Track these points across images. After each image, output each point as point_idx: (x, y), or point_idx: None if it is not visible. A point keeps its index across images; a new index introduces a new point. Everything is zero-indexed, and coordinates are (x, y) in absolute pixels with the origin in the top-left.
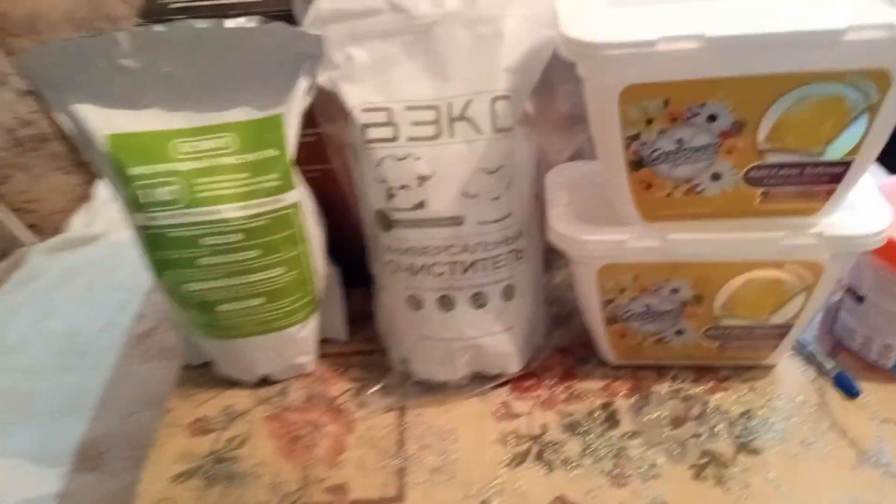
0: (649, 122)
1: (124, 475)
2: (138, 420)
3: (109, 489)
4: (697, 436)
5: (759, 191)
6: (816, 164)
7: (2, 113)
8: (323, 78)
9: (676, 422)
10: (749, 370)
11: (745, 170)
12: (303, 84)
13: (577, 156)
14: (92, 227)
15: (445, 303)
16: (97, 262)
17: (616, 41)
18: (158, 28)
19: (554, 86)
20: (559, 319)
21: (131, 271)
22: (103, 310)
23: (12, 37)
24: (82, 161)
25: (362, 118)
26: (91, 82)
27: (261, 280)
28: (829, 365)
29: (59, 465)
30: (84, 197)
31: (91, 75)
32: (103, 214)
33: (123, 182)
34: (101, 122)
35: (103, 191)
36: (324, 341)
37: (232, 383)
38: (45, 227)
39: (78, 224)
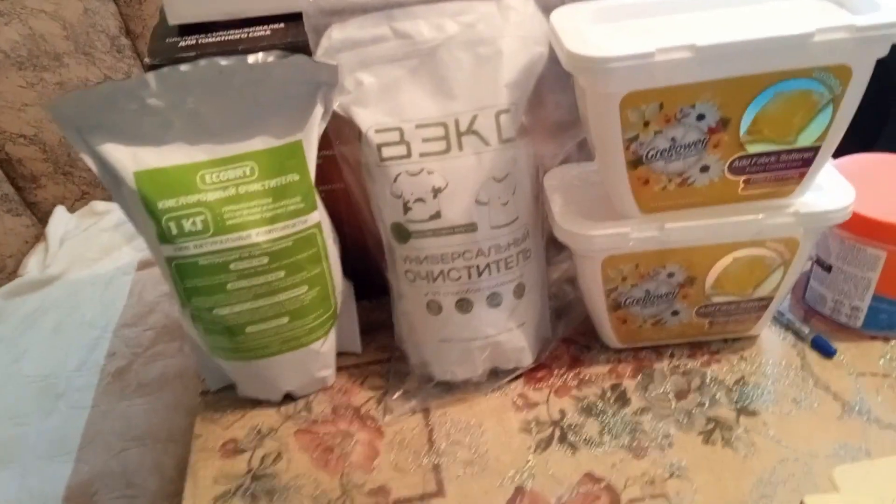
0: (646, 124)
1: None
2: (126, 457)
3: None
4: (701, 405)
5: (742, 178)
6: (790, 151)
7: None
8: (335, 103)
9: (680, 395)
10: (736, 342)
11: (729, 161)
12: (319, 111)
13: (567, 160)
14: (49, 269)
15: (464, 305)
16: (60, 303)
17: (618, 55)
18: (185, 67)
19: (543, 96)
20: (560, 311)
21: (97, 309)
22: (74, 349)
23: None
24: (32, 202)
25: (376, 139)
26: (119, 123)
27: (287, 300)
28: (806, 330)
29: None
30: (36, 238)
31: (119, 116)
32: (58, 255)
33: (152, 216)
34: (128, 160)
35: (55, 231)
36: (339, 354)
37: (256, 403)
38: None
39: (33, 266)
